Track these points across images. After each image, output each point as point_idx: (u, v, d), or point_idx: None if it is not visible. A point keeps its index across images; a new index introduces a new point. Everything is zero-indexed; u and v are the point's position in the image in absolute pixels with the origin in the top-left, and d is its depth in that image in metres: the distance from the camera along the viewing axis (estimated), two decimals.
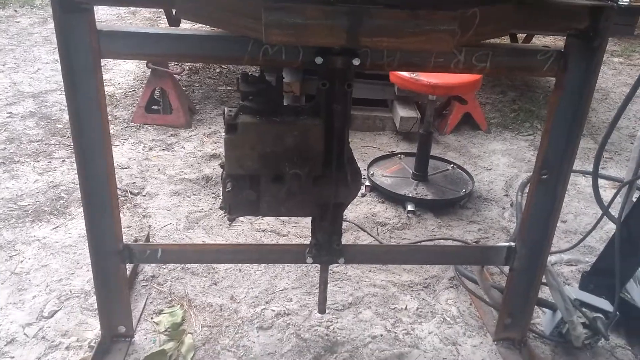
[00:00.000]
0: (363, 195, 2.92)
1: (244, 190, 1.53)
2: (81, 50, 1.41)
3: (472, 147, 3.70)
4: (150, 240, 2.43)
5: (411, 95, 3.64)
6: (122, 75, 4.73)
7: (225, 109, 1.51)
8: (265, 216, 1.64)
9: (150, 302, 2.08)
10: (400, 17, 1.03)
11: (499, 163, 3.47)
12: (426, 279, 2.26)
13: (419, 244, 2.46)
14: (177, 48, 1.44)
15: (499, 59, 1.48)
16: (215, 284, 2.20)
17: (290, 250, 1.75)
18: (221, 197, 1.57)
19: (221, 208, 1.61)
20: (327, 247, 1.66)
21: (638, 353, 1.90)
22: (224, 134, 1.47)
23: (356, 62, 1.38)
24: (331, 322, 2.01)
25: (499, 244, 1.81)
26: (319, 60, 1.38)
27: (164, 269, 2.25)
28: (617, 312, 1.81)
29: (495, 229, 2.71)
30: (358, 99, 3.62)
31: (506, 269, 1.89)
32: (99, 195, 1.57)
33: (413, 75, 2.65)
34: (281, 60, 1.44)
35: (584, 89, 1.53)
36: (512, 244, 1.76)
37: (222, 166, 1.57)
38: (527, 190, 3.11)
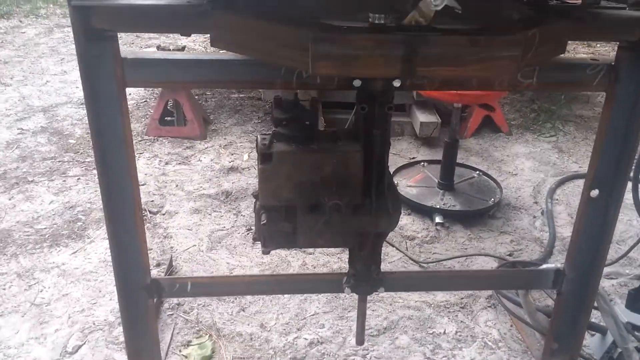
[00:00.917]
0: None
1: (279, 222, 1.44)
2: (105, 79, 1.33)
3: (495, 150, 3.60)
4: (174, 263, 2.35)
5: (430, 99, 3.54)
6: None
7: (258, 136, 1.43)
8: (302, 248, 1.56)
9: (177, 333, 2.00)
10: (460, 44, 0.94)
11: (524, 167, 3.37)
12: (462, 298, 2.17)
13: (461, 270, 2.33)
14: (205, 74, 1.36)
15: (545, 74, 1.38)
16: (243, 310, 2.12)
17: (327, 280, 1.67)
18: (254, 227, 1.48)
19: (254, 240, 1.52)
20: (365, 277, 1.58)
21: None
22: (257, 163, 1.39)
23: (397, 83, 1.29)
24: (367, 350, 1.93)
25: (546, 266, 1.72)
26: (357, 83, 1.29)
27: None
28: None
29: (528, 239, 2.62)
30: None
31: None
32: (126, 228, 1.49)
33: None
34: (316, 83, 1.35)
35: (637, 103, 1.43)
36: (560, 266, 1.67)
37: (255, 196, 1.48)
38: (556, 196, 3.02)
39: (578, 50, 5.23)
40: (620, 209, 1.59)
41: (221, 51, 1.28)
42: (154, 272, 2.30)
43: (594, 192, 1.57)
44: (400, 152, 3.51)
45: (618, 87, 1.40)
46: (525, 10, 1.26)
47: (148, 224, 2.67)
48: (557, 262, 2.46)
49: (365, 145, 1.41)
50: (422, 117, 3.50)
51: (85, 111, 4.14)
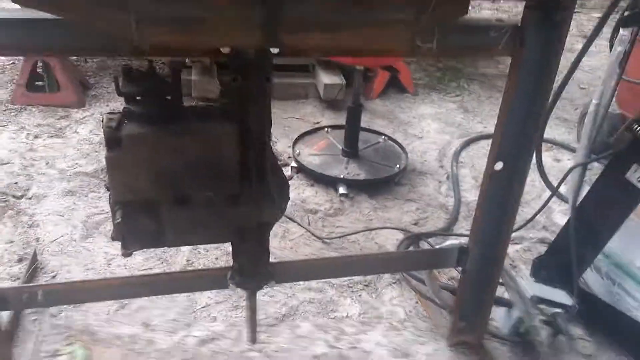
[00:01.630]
0: (290, 179, 2.62)
1: (139, 219, 1.19)
2: None
3: (401, 112, 3.48)
4: (39, 257, 2.01)
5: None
6: None
7: (104, 116, 1.14)
8: (172, 247, 1.31)
9: (42, 341, 1.70)
10: (337, 4, 0.71)
11: (430, 129, 3.28)
12: (366, 276, 2.04)
13: (359, 255, 2.15)
14: (17, 37, 1.03)
15: (446, 37, 1.20)
16: (123, 308, 1.85)
17: (209, 276, 1.44)
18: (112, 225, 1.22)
19: (113, 238, 1.25)
20: (252, 271, 1.37)
21: (598, 342, 1.80)
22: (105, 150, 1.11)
23: (275, 50, 1.05)
24: (265, 343, 1.74)
25: (449, 245, 1.60)
26: (225, 49, 1.04)
27: None
28: (577, 305, 1.68)
29: (434, 206, 2.53)
30: (276, 65, 3.25)
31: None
32: None
33: None
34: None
35: (544, 69, 1.30)
36: (464, 243, 1.56)
37: (107, 188, 1.21)
38: (461, 159, 2.96)
39: (483, 7, 5.20)
40: (525, 182, 1.48)
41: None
42: (15, 270, 1.96)
43: (498, 165, 1.45)
44: (304, 116, 3.29)
45: (524, 51, 1.26)
46: None
47: (10, 211, 2.28)
48: (462, 228, 2.40)
49: (240, 124, 1.17)
50: (326, 78, 3.29)
51: None
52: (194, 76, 3.13)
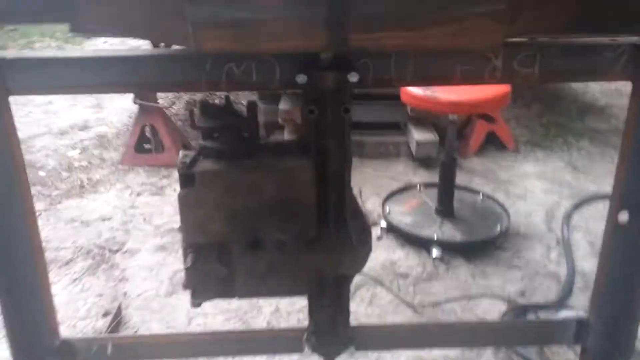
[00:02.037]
0: (379, 239, 2.48)
1: (211, 264, 1.11)
2: None
3: (500, 170, 3.25)
4: (124, 312, 2.01)
5: (427, 115, 3.22)
6: (116, 112, 4.40)
7: (180, 152, 1.11)
8: (242, 298, 1.22)
9: None
10: None
11: (534, 189, 3.01)
12: (464, 350, 1.79)
13: (457, 323, 1.92)
14: (106, 75, 1.04)
15: (550, 60, 1.05)
16: None
17: (283, 337, 1.32)
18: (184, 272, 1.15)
19: (185, 287, 1.18)
20: (330, 333, 1.22)
21: None
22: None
23: (353, 77, 0.97)
24: None
25: (566, 315, 1.35)
26: (301, 79, 0.97)
27: None
28: None
29: (542, 275, 2.24)
30: (366, 123, 3.21)
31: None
32: (20, 280, 1.16)
33: (428, 91, 2.22)
34: (252, 82, 1.03)
35: None
36: (584, 315, 1.30)
37: (179, 230, 1.15)
38: (573, 222, 2.65)
39: None
40: None
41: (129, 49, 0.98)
42: (100, 323, 1.96)
43: (623, 216, 1.22)
44: (395, 175, 3.17)
45: None
46: None
47: (104, 265, 2.35)
48: (578, 304, 2.07)
49: (318, 160, 1.08)
50: (418, 135, 3.17)
51: (62, 141, 3.91)
52: (286, 135, 3.17)
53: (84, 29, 0.83)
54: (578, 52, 1.05)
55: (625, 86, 1.14)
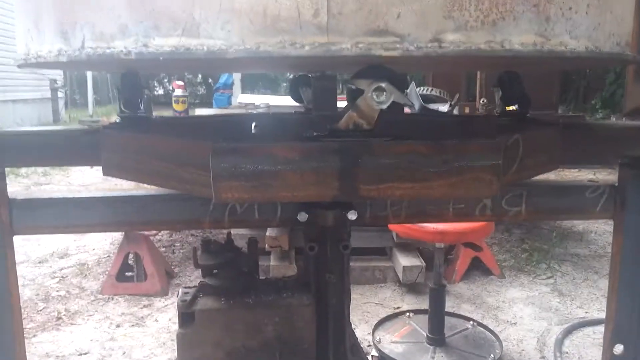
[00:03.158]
0: None
1: None
2: None
3: (488, 296, 3.24)
4: None
5: (413, 241, 3.27)
6: (98, 239, 4.37)
7: (180, 290, 1.11)
8: None
9: None
10: (418, 150, 0.68)
11: (523, 315, 2.99)
12: None
13: None
14: (114, 215, 1.07)
15: (536, 200, 1.12)
16: None
17: None
18: None
19: None
20: None
21: None
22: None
23: (352, 216, 1.01)
24: None
25: None
26: (302, 217, 1.01)
27: None
28: None
29: None
30: (353, 249, 3.23)
31: None
32: None
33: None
34: (254, 219, 1.07)
35: None
36: None
37: None
38: (565, 348, 2.61)
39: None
40: None
41: (135, 190, 1.03)
42: None
43: (618, 348, 1.22)
44: (383, 301, 3.14)
45: (627, 213, 1.14)
46: (499, 121, 1.05)
47: None
48: None
49: (317, 296, 1.09)
50: (404, 261, 3.20)
51: (40, 269, 3.81)
52: (273, 261, 3.16)
53: (111, 173, 0.88)
54: (562, 192, 1.13)
55: None
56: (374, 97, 0.69)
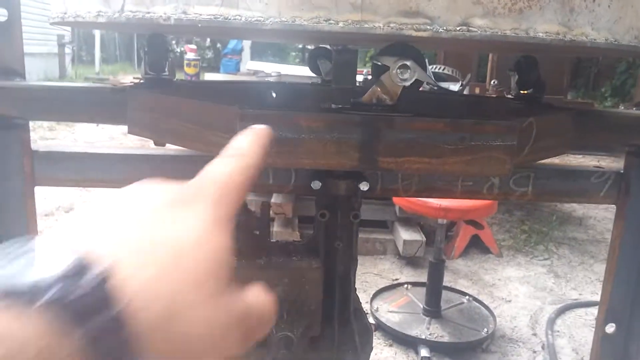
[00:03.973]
0: None
1: None
2: (11, 175, 1.08)
3: (485, 273, 3.32)
4: None
5: (414, 216, 3.33)
6: (103, 193, 4.43)
7: None
8: None
9: None
10: (437, 127, 0.71)
11: (518, 293, 3.06)
12: None
13: None
14: (132, 171, 1.11)
15: (542, 182, 1.16)
16: None
17: None
18: None
19: None
20: None
21: None
22: None
23: (364, 187, 1.06)
24: None
25: None
26: (316, 185, 1.05)
27: None
28: None
29: None
30: None
31: None
32: None
33: None
34: (268, 184, 1.12)
35: None
36: None
37: None
38: (556, 327, 2.69)
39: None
40: None
41: (152, 146, 1.07)
42: None
43: (610, 327, 1.28)
44: (382, 272, 3.21)
45: (630, 200, 1.18)
46: (513, 104, 1.08)
47: None
48: None
49: (325, 261, 1.14)
50: (405, 234, 3.26)
51: (46, 222, 3.89)
52: (276, 227, 3.22)
53: (135, 132, 0.91)
54: (568, 176, 1.16)
55: None
56: (399, 73, 0.72)
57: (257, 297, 0.40)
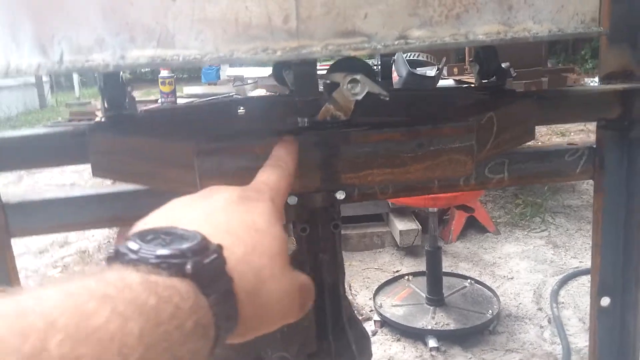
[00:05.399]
0: (374, 334, 2.47)
1: None
2: None
3: (484, 253, 3.32)
4: None
5: (406, 206, 3.33)
6: None
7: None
8: None
9: None
10: (394, 137, 0.71)
11: (519, 269, 3.07)
12: None
13: None
14: (106, 211, 1.10)
15: (518, 166, 1.16)
16: None
17: None
18: None
19: None
20: None
21: None
22: None
23: (341, 195, 1.04)
24: None
25: None
26: (292, 200, 1.04)
27: None
28: None
29: (539, 356, 2.25)
30: (349, 217, 3.30)
31: None
32: None
33: None
34: None
35: (631, 188, 1.20)
36: None
37: None
38: (561, 299, 2.69)
39: (553, 141, 5.18)
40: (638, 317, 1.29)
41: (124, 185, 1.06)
42: None
43: (605, 300, 1.28)
44: (382, 265, 3.21)
45: (605, 173, 1.18)
46: (476, 95, 1.07)
47: None
48: None
49: (312, 275, 1.13)
50: (400, 225, 3.26)
51: (41, 260, 3.87)
52: None
53: (100, 175, 0.90)
54: (543, 157, 1.16)
55: None
56: (350, 89, 0.71)
57: (302, 275, 0.51)
